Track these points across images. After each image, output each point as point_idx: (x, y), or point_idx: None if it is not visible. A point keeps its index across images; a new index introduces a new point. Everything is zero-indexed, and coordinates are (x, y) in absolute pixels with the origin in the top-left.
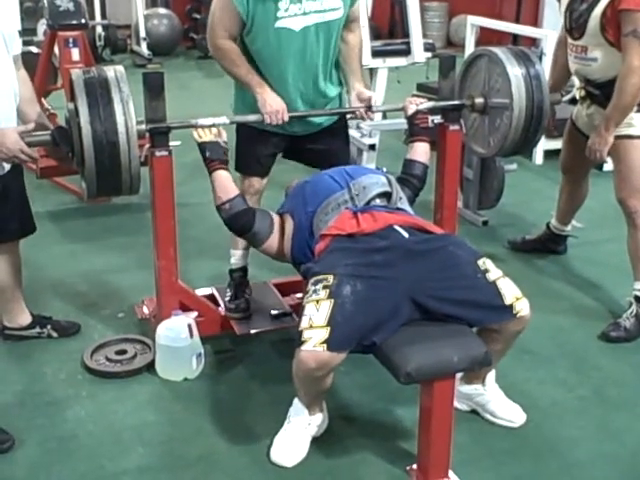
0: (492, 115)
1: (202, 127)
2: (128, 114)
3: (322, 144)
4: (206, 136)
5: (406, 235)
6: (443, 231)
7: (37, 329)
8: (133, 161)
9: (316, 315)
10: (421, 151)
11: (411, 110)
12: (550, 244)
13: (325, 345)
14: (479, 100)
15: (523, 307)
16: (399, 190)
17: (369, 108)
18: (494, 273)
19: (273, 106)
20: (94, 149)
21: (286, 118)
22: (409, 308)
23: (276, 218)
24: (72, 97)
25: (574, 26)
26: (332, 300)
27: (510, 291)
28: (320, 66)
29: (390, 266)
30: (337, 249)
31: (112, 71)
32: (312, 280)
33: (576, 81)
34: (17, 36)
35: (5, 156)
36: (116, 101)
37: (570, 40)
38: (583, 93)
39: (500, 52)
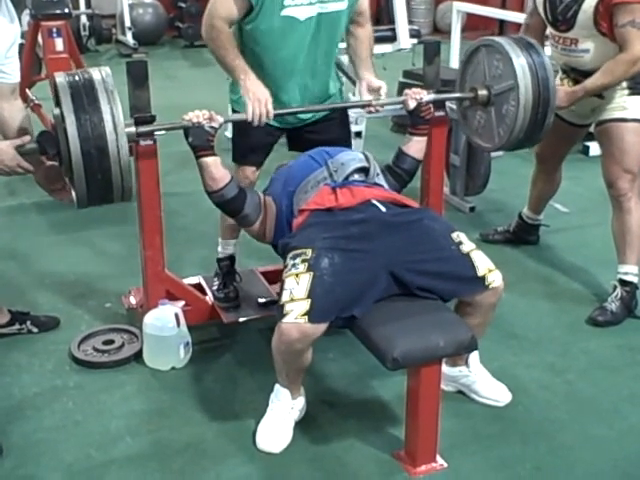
0: (498, 104)
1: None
2: (116, 115)
3: (322, 135)
4: (194, 118)
5: (383, 209)
6: (419, 205)
7: (16, 326)
8: (124, 164)
9: (296, 288)
10: (418, 147)
11: (412, 104)
12: (523, 234)
13: (306, 317)
14: (482, 92)
15: (495, 278)
16: (376, 166)
17: (373, 97)
18: (468, 245)
19: (256, 94)
20: (82, 152)
21: (270, 108)
22: (385, 280)
23: (262, 199)
24: (57, 102)
25: (560, 19)
26: (311, 273)
27: (483, 263)
28: (322, 59)
29: (367, 238)
30: (315, 223)
31: (97, 72)
32: (290, 254)
33: (559, 71)
34: (14, 63)
35: (3, 172)
36: (103, 103)
37: (555, 32)
38: (572, 84)
39: (496, 39)
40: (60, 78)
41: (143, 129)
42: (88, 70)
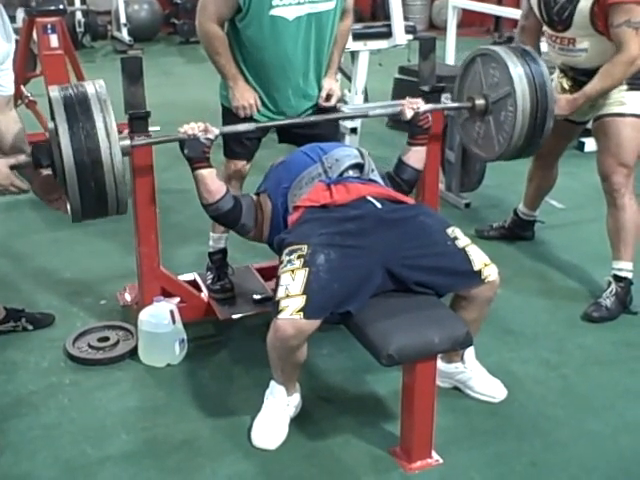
0: (496, 112)
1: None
2: (109, 123)
3: (311, 129)
4: (189, 130)
5: (379, 205)
6: (414, 201)
7: (11, 323)
8: (117, 173)
9: (292, 284)
10: (418, 156)
11: (409, 114)
12: (518, 230)
13: (302, 313)
14: (480, 101)
15: (491, 272)
16: (371, 162)
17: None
18: (463, 240)
19: (240, 101)
20: (75, 161)
21: (259, 106)
22: (381, 276)
23: (255, 201)
24: (52, 116)
25: (556, 19)
26: (307, 269)
27: (479, 257)
28: (313, 58)
29: (363, 235)
30: (310, 219)
31: (91, 85)
32: (286, 250)
33: (556, 71)
34: (9, 75)
35: None
36: (96, 112)
37: (551, 32)
38: (570, 82)
39: (492, 47)
40: (54, 92)
41: (137, 142)
42: (82, 83)
